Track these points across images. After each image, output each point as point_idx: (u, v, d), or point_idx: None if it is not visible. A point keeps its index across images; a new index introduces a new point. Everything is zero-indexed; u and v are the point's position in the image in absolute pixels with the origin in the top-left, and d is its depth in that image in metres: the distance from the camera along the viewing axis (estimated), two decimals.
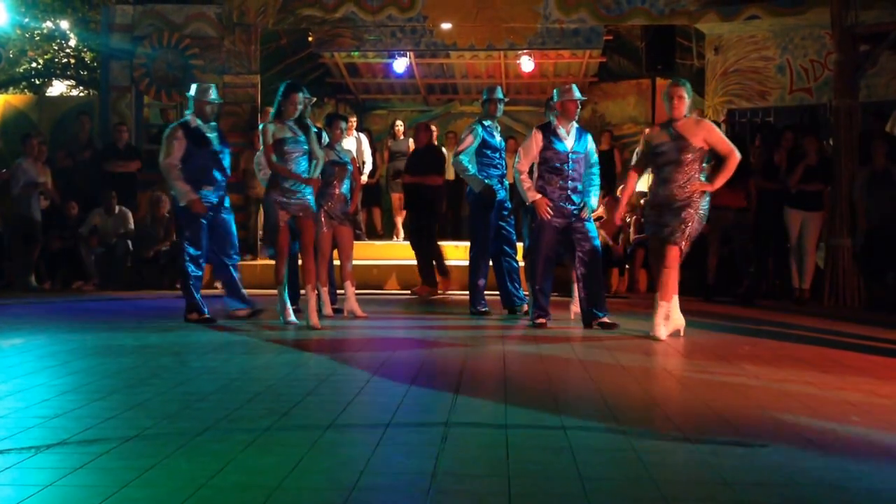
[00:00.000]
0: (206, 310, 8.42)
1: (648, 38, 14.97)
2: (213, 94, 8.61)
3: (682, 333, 7.47)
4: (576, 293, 8.44)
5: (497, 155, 9.11)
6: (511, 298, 9.26)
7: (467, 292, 9.35)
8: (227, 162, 8.59)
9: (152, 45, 14.16)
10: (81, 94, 22.06)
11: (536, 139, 8.12)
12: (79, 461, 3.54)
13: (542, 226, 8.00)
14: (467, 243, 9.58)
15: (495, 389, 5.19)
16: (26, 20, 19.56)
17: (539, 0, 14.07)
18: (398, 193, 15.63)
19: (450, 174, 15.49)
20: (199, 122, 8.47)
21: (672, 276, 7.36)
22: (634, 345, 7.09)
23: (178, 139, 8.39)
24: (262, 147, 8.22)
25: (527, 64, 16.96)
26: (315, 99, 9.30)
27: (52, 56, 21.74)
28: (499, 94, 9.28)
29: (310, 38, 16.56)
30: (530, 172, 8.16)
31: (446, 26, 15.14)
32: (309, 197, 8.11)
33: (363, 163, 14.35)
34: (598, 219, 10.04)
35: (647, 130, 7.46)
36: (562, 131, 8.14)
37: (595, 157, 8.30)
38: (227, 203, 8.65)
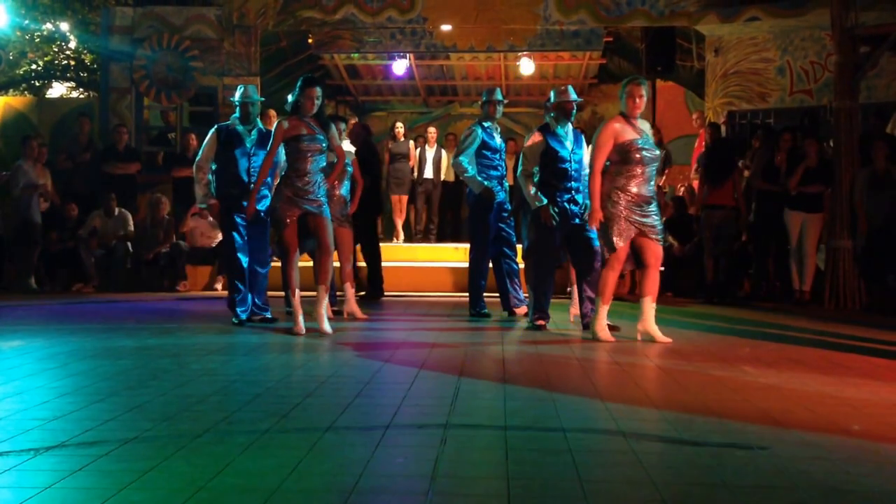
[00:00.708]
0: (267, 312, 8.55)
1: (648, 39, 14.97)
2: (252, 94, 8.53)
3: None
4: (575, 295, 8.43)
5: (497, 156, 9.10)
6: (511, 300, 9.25)
7: (467, 294, 9.35)
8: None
9: (152, 46, 14.17)
10: (81, 96, 22.05)
11: (538, 141, 8.11)
12: (78, 463, 3.53)
13: (544, 228, 7.98)
14: (467, 245, 9.58)
15: (495, 391, 5.18)
16: (26, 22, 19.55)
17: (539, 2, 14.07)
18: (398, 195, 15.67)
19: (449, 175, 15.54)
20: (238, 124, 8.42)
21: (657, 275, 7.41)
22: (634, 347, 7.08)
23: (211, 140, 8.41)
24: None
25: (527, 66, 16.96)
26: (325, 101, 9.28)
27: (52, 58, 21.74)
28: (498, 95, 9.27)
29: (310, 40, 16.58)
30: (532, 176, 8.14)
31: (446, 28, 15.16)
32: (323, 196, 7.74)
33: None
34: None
35: (613, 124, 7.25)
36: (561, 132, 8.14)
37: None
38: (263, 207, 8.40)
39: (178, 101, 14.46)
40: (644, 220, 7.21)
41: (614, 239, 7.18)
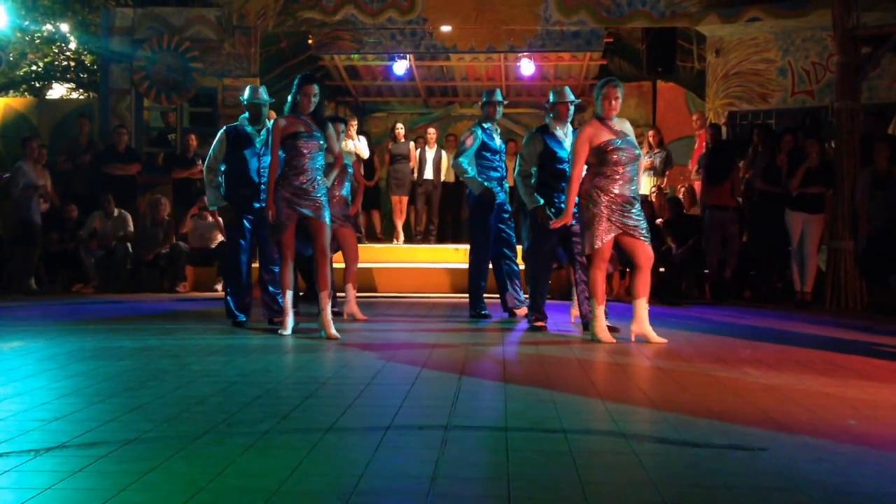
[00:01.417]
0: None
1: (649, 40, 14.97)
2: (262, 94, 8.49)
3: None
4: (575, 296, 8.43)
5: (497, 157, 9.10)
6: (511, 301, 9.25)
7: (467, 295, 9.34)
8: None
9: (152, 47, 14.17)
10: (81, 97, 22.04)
11: (536, 142, 8.11)
12: (78, 464, 3.53)
13: (543, 230, 7.97)
14: (467, 246, 9.57)
15: (495, 392, 5.18)
16: (26, 23, 19.55)
17: (539, 2, 14.07)
18: (398, 196, 15.66)
19: (449, 176, 15.53)
20: (247, 125, 8.41)
21: (649, 276, 7.41)
22: (634, 348, 7.07)
23: (220, 142, 8.38)
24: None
25: (527, 66, 16.96)
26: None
27: (52, 59, 21.73)
28: (498, 96, 9.27)
29: (309, 41, 16.58)
30: (531, 177, 8.14)
31: (446, 29, 15.16)
32: (323, 198, 7.65)
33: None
34: None
35: (588, 128, 7.26)
36: (559, 133, 8.13)
37: None
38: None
39: (178, 102, 14.46)
40: (626, 220, 7.21)
41: (594, 238, 7.19)
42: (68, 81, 22.93)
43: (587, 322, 7.81)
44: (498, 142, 9.16)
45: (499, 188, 9.07)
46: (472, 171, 8.94)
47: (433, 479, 3.37)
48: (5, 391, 5.10)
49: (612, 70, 17.43)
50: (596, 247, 7.22)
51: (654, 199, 12.75)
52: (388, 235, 16.35)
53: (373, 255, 13.31)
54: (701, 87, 14.81)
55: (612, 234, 7.23)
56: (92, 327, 8.31)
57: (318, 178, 7.64)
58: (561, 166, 7.97)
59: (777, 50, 13.59)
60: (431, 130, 16.19)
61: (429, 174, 15.69)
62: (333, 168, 8.15)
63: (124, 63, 14.29)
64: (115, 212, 12.83)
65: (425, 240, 15.72)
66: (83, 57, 21.97)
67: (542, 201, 7.98)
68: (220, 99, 14.19)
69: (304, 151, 7.57)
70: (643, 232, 7.26)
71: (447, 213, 16.53)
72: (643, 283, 7.34)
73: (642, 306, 7.35)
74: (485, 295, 9.25)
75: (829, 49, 12.53)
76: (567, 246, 8.14)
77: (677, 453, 3.82)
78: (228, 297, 8.51)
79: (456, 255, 13.34)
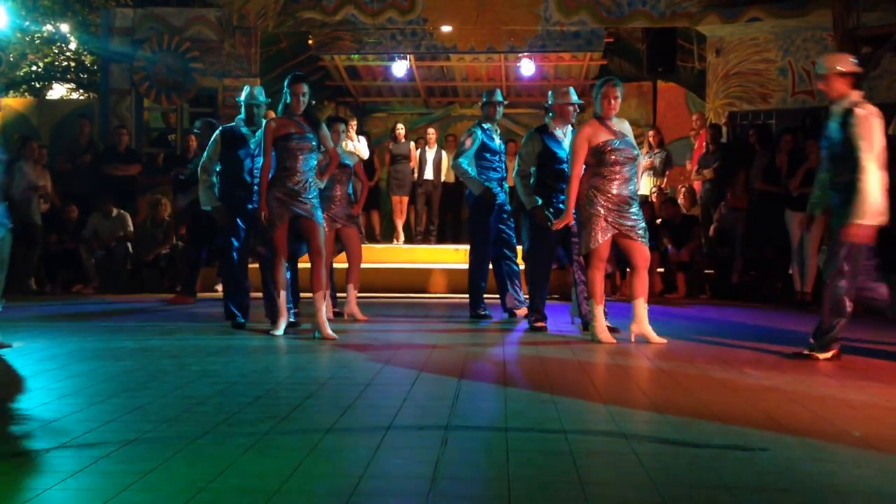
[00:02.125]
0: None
1: (649, 40, 14.97)
2: (258, 95, 8.46)
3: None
4: (575, 297, 8.42)
5: (497, 158, 9.09)
6: (511, 301, 9.24)
7: (467, 296, 9.34)
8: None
9: (152, 48, 14.17)
10: (81, 98, 22.05)
11: (535, 142, 8.11)
12: (78, 464, 3.53)
13: (542, 230, 7.97)
14: (467, 246, 9.57)
15: (495, 393, 5.18)
16: (26, 23, 19.57)
17: (539, 2, 14.07)
18: (398, 196, 15.66)
19: (450, 177, 15.53)
20: (242, 125, 8.40)
21: (646, 276, 7.42)
22: (634, 348, 7.07)
23: (215, 142, 8.36)
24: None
25: (527, 67, 16.96)
26: (314, 102, 9.25)
27: (52, 59, 21.75)
28: (498, 96, 9.26)
29: (310, 41, 16.58)
30: (529, 177, 8.14)
31: (446, 29, 15.16)
32: (315, 199, 7.65)
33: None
34: None
35: (586, 128, 7.27)
36: (559, 133, 8.13)
37: None
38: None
39: (178, 103, 14.46)
40: (623, 221, 7.21)
41: (591, 238, 7.19)
42: (68, 82, 22.95)
43: (587, 322, 7.81)
44: (498, 142, 9.16)
45: (499, 188, 9.06)
46: (471, 171, 8.94)
47: (433, 480, 3.37)
48: (5, 392, 5.09)
49: (613, 70, 17.43)
50: (593, 247, 7.22)
51: (654, 200, 12.75)
52: (388, 236, 16.35)
53: (373, 256, 13.31)
54: (701, 88, 14.81)
55: (610, 235, 7.23)
56: (92, 327, 8.31)
57: (310, 179, 7.63)
58: (560, 166, 7.96)
59: (777, 50, 13.59)
60: (431, 131, 16.19)
61: (429, 174, 15.69)
62: (329, 168, 8.12)
63: (124, 63, 14.29)
64: (114, 212, 12.82)
65: (425, 240, 15.72)
66: (83, 57, 21.99)
67: (540, 201, 7.98)
68: (221, 99, 14.19)
69: (296, 153, 7.56)
70: (640, 232, 7.26)
71: (447, 214, 16.54)
72: (641, 283, 7.34)
73: (641, 306, 7.35)
74: (485, 295, 9.24)
75: (830, 49, 12.51)
76: (567, 246, 8.13)
77: (677, 453, 3.82)
78: (227, 299, 8.52)
79: (456, 256, 13.34)
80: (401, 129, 15.97)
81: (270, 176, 7.62)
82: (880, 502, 3.22)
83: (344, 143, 9.26)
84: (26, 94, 21.82)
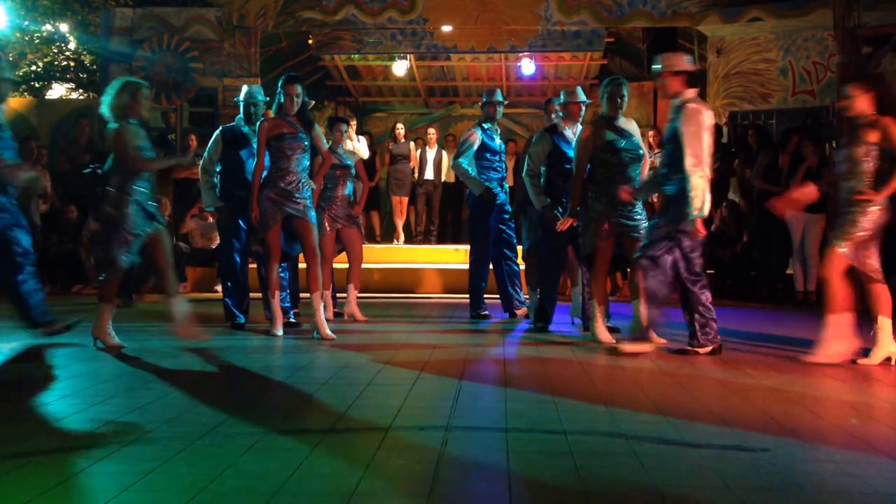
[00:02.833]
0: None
1: (650, 40, 14.97)
2: (256, 95, 8.46)
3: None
4: (575, 297, 8.41)
5: (497, 158, 9.08)
6: (511, 302, 9.24)
7: (467, 296, 9.33)
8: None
9: (152, 48, 14.17)
10: (81, 97, 22.04)
11: (545, 142, 8.10)
12: (78, 465, 3.52)
13: (549, 229, 7.94)
14: (467, 246, 9.56)
15: (496, 393, 5.17)
16: (26, 23, 19.57)
17: (540, 2, 14.06)
18: (398, 196, 15.66)
19: (450, 177, 15.53)
20: (242, 125, 8.38)
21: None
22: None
23: (216, 142, 8.36)
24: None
25: (527, 66, 16.95)
26: (314, 102, 9.24)
27: (51, 59, 21.75)
28: (498, 96, 9.25)
29: (310, 41, 16.57)
30: (539, 176, 8.12)
31: (447, 29, 15.15)
32: (308, 199, 7.65)
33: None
34: None
35: (591, 128, 7.27)
36: (568, 133, 8.12)
37: None
38: None
39: (178, 102, 14.45)
40: (626, 221, 7.20)
41: (594, 238, 7.20)
42: (68, 81, 22.94)
43: (587, 323, 7.81)
44: (498, 142, 9.15)
45: (499, 188, 9.05)
46: (472, 171, 8.93)
47: (433, 480, 3.36)
48: (4, 393, 5.09)
49: (613, 70, 17.43)
50: (594, 247, 7.22)
51: (654, 200, 12.73)
52: (388, 236, 16.34)
53: (373, 256, 13.30)
54: (702, 87, 14.78)
55: (612, 235, 7.23)
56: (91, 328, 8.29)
57: (304, 179, 7.62)
58: (569, 166, 7.93)
59: (778, 50, 13.58)
60: (432, 130, 16.19)
61: (429, 174, 15.69)
62: (322, 169, 8.12)
63: (124, 63, 14.27)
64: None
65: (425, 240, 15.72)
66: (83, 57, 21.99)
67: (549, 201, 7.98)
68: (221, 99, 14.18)
69: (289, 153, 7.56)
70: (643, 232, 7.25)
71: (447, 214, 16.53)
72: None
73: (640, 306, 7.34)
74: (485, 295, 9.24)
75: (831, 49, 12.52)
76: (576, 245, 8.13)
77: (678, 454, 3.81)
78: (227, 299, 8.51)
79: (456, 256, 13.33)
80: (400, 128, 15.97)
81: (264, 176, 7.63)
82: (881, 502, 3.21)
83: (344, 143, 9.25)
84: (25, 93, 21.81)
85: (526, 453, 3.77)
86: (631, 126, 7.48)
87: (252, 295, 8.66)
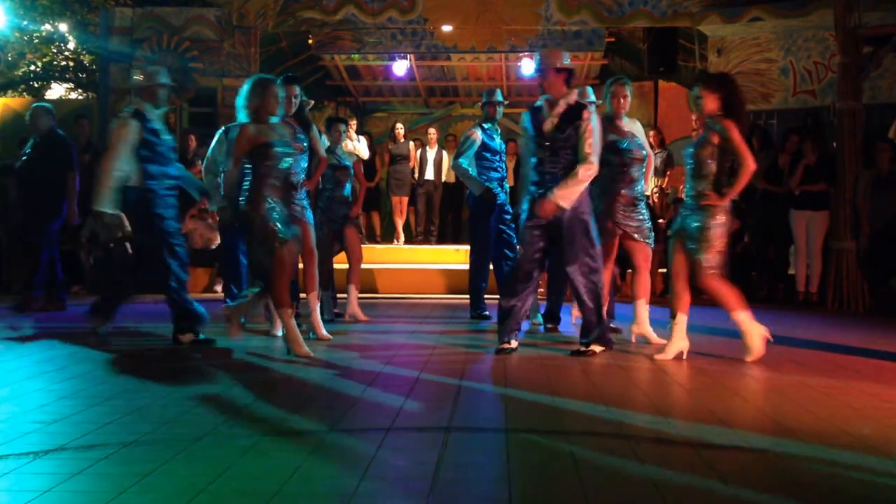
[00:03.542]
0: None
1: (650, 39, 14.96)
2: None
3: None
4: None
5: (497, 158, 9.07)
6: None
7: (468, 296, 9.32)
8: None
9: (151, 47, 14.16)
10: (80, 97, 22.04)
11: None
12: (77, 467, 3.51)
13: None
14: (467, 247, 9.55)
15: (496, 394, 5.17)
16: (25, 23, 19.55)
17: (540, 2, 14.05)
18: (399, 197, 15.65)
19: (450, 177, 15.52)
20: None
21: (648, 277, 7.48)
22: (635, 349, 7.06)
23: (219, 142, 8.32)
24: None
25: (528, 66, 16.93)
26: (313, 102, 9.21)
27: (50, 59, 21.73)
28: (498, 96, 9.24)
29: (310, 41, 16.57)
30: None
31: (447, 28, 15.15)
32: (304, 200, 7.61)
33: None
34: None
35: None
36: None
37: None
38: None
39: (177, 102, 14.44)
40: (629, 221, 7.19)
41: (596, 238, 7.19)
42: (67, 81, 22.94)
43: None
44: (498, 142, 9.13)
45: (499, 189, 9.04)
46: (472, 171, 8.92)
47: (434, 481, 3.36)
48: (4, 393, 5.08)
49: (614, 70, 17.41)
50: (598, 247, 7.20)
51: (655, 200, 12.74)
52: (388, 236, 16.33)
53: (373, 256, 13.29)
54: None
55: (616, 235, 7.23)
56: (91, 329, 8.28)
57: (300, 180, 7.58)
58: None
59: (779, 50, 13.57)
60: (432, 131, 16.19)
61: (429, 175, 15.69)
62: (318, 171, 8.11)
63: (123, 63, 14.27)
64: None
65: (426, 240, 15.71)
66: (82, 57, 21.98)
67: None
68: (220, 99, 14.17)
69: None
70: (645, 233, 7.25)
71: (448, 214, 16.53)
72: (643, 284, 7.34)
73: (642, 307, 7.35)
74: (485, 296, 9.23)
75: (831, 49, 12.51)
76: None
77: (678, 454, 3.81)
78: (227, 299, 8.50)
79: (456, 256, 13.32)
80: (400, 128, 15.96)
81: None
82: (880, 503, 3.21)
83: (343, 143, 9.24)
84: (25, 93, 21.81)
85: (526, 454, 3.77)
86: (635, 127, 7.47)
87: (206, 296, 8.67)
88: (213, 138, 8.53)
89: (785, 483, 3.39)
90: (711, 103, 6.38)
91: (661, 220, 12.07)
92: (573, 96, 6.66)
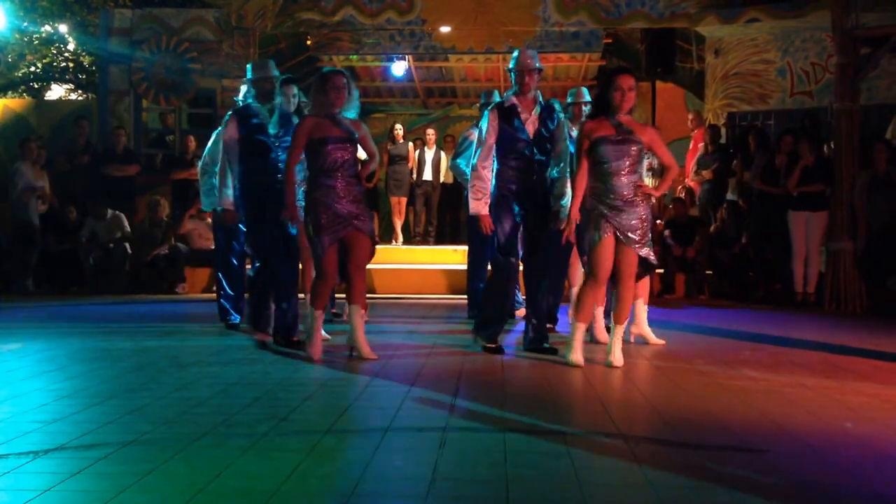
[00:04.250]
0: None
1: (648, 40, 14.97)
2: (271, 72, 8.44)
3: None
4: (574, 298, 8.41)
5: None
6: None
7: (466, 297, 9.33)
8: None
9: (151, 49, 14.17)
10: (80, 98, 22.04)
11: None
12: (77, 466, 3.53)
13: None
14: (466, 247, 9.56)
15: (494, 394, 5.18)
16: (25, 24, 19.54)
17: (538, 3, 14.07)
18: (397, 197, 15.65)
19: (448, 178, 15.53)
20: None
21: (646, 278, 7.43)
22: (633, 349, 7.06)
23: (215, 143, 8.34)
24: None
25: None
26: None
27: (50, 60, 21.73)
28: (496, 97, 9.24)
29: (308, 42, 16.57)
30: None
31: (445, 29, 15.15)
32: (301, 200, 7.30)
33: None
34: None
35: (588, 123, 7.12)
36: (574, 133, 8.12)
37: None
38: None
39: (176, 103, 14.45)
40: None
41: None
42: (67, 82, 22.94)
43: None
44: None
45: None
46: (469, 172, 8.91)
47: (432, 481, 3.37)
48: (4, 393, 5.09)
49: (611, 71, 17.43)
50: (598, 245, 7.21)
51: (653, 200, 12.72)
52: (386, 236, 16.33)
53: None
54: (700, 88, 14.81)
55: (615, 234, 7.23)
56: (90, 329, 8.30)
57: (299, 180, 7.55)
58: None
59: (776, 51, 13.59)
60: (430, 131, 16.18)
61: (427, 175, 15.69)
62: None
63: (123, 64, 14.28)
64: (108, 214, 12.80)
65: (424, 241, 15.71)
66: (82, 58, 21.97)
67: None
68: (219, 100, 14.18)
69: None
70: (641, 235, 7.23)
71: (446, 215, 16.53)
72: (642, 284, 7.33)
73: (641, 308, 7.35)
74: None
75: (829, 50, 12.53)
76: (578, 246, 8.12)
77: (676, 454, 3.82)
78: (222, 299, 8.52)
79: (455, 257, 13.32)
80: (399, 129, 15.95)
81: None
82: (878, 503, 3.22)
83: None
84: (25, 94, 21.81)
85: (524, 454, 3.78)
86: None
87: (204, 297, 8.70)
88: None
89: (784, 483, 3.40)
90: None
91: (658, 221, 12.08)
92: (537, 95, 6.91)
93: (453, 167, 9.10)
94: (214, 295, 9.23)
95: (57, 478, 3.37)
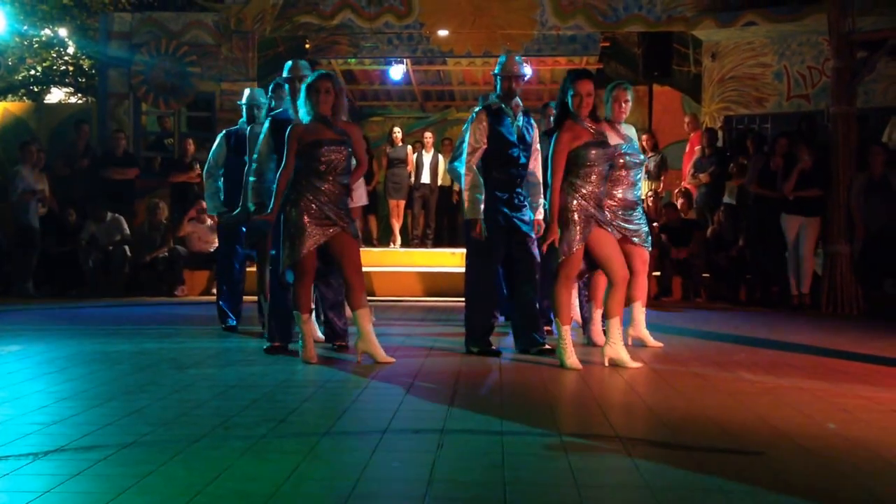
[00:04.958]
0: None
1: (645, 44, 15.00)
2: (259, 97, 8.45)
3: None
4: (574, 300, 8.41)
5: None
6: (507, 306, 9.23)
7: (463, 299, 9.32)
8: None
9: (150, 52, 14.20)
10: (79, 102, 22.04)
11: (544, 146, 8.11)
12: (76, 468, 3.54)
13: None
14: (464, 250, 9.56)
15: (491, 396, 5.19)
16: (25, 28, 19.52)
17: (535, 7, 14.10)
18: (395, 200, 15.66)
19: (446, 180, 15.55)
20: (247, 129, 8.27)
21: (645, 280, 7.47)
22: (630, 351, 7.05)
23: (220, 146, 8.37)
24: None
25: (527, 70, 16.92)
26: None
27: (50, 63, 21.72)
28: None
29: (307, 46, 16.58)
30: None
31: (443, 33, 15.17)
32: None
33: None
34: None
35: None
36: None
37: None
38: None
39: (175, 107, 14.47)
40: (628, 225, 7.20)
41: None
42: (66, 86, 22.93)
43: (586, 326, 7.83)
44: None
45: None
46: None
47: (429, 483, 3.38)
48: (4, 395, 5.10)
49: (609, 74, 17.43)
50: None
51: (650, 204, 12.76)
52: (385, 239, 16.34)
53: (370, 259, 13.29)
54: (697, 91, 14.83)
55: (617, 238, 7.24)
56: (90, 331, 8.31)
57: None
58: None
59: (773, 54, 13.61)
60: (428, 134, 16.20)
61: (426, 178, 15.70)
62: None
63: (122, 68, 14.31)
64: (108, 216, 12.82)
65: (422, 244, 15.72)
66: (81, 61, 21.96)
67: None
68: (218, 103, 14.20)
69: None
70: (643, 236, 7.26)
71: (444, 217, 16.54)
72: (640, 287, 7.34)
73: (639, 310, 7.36)
74: None
75: (825, 53, 12.55)
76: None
77: (673, 456, 3.83)
78: (220, 301, 8.54)
79: (453, 259, 13.34)
80: (397, 132, 15.97)
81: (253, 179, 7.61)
82: None
83: None
84: (24, 98, 21.80)
85: (521, 456, 3.79)
86: (630, 131, 7.49)
87: (246, 298, 8.71)
88: (212, 143, 8.56)
89: (780, 485, 3.41)
90: None
91: (655, 224, 12.10)
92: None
93: (451, 170, 9.08)
94: (213, 297, 9.26)
95: (56, 479, 3.38)
